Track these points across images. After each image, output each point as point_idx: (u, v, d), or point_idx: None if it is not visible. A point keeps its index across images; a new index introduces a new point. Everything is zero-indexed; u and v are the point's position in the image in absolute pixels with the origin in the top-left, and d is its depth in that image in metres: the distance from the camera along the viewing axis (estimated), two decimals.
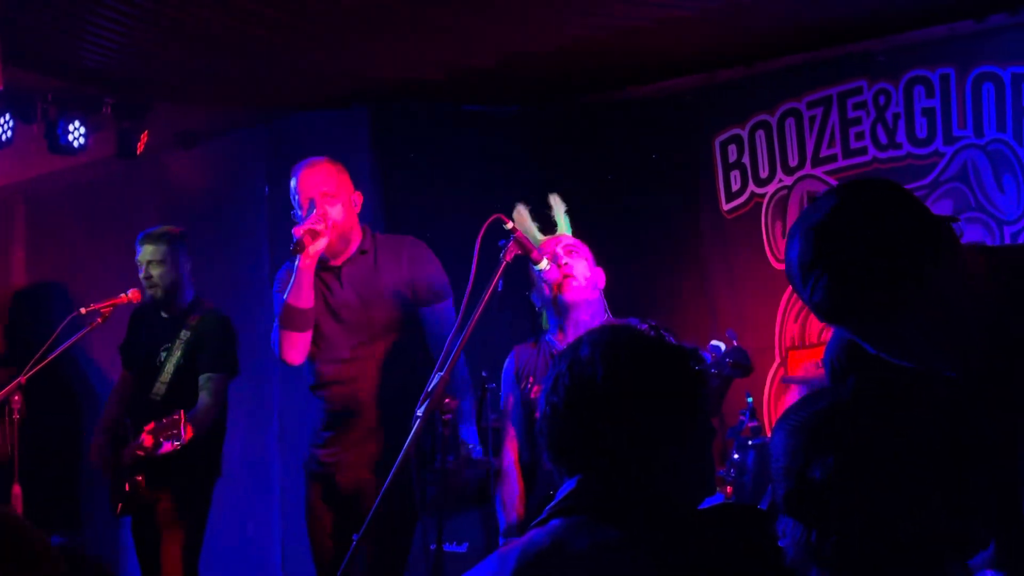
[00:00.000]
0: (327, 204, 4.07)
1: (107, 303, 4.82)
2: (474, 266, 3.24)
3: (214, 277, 5.46)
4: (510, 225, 3.30)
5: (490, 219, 3.27)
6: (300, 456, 4.41)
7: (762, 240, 5.49)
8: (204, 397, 4.74)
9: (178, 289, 4.96)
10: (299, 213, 4.12)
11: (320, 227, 3.96)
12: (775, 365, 5.45)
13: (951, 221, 1.66)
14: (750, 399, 4.80)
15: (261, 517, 6.25)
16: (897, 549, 1.46)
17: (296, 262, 3.97)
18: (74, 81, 5.47)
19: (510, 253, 3.28)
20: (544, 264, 3.43)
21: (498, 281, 3.32)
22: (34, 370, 4.67)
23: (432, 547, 3.23)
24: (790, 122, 5.44)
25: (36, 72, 5.28)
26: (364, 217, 6.05)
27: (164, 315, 4.99)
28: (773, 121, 5.49)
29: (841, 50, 5.26)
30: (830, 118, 5.30)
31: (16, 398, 4.59)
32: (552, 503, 1.76)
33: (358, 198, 4.25)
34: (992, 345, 1.69)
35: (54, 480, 5.75)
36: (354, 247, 4.21)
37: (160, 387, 4.86)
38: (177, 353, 4.86)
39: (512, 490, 3.96)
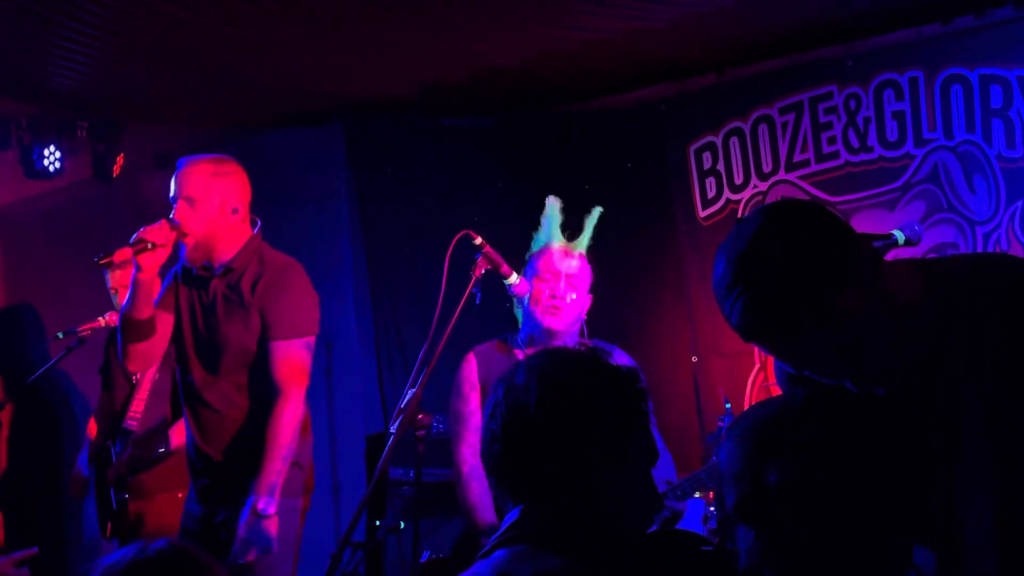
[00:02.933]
0: (184, 210, 3.81)
1: (85, 327, 4.83)
2: (444, 282, 3.26)
3: None
4: (479, 241, 3.32)
5: (457, 236, 3.29)
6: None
7: None
8: None
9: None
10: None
11: (152, 238, 3.66)
12: (755, 370, 5.47)
13: (877, 239, 1.69)
14: (728, 404, 4.81)
15: None
16: (845, 552, 1.48)
17: (134, 272, 3.68)
18: (48, 105, 5.48)
19: (479, 268, 3.29)
20: (514, 278, 3.44)
21: (471, 295, 3.33)
22: (13, 395, 4.68)
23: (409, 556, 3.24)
24: (763, 128, 5.47)
25: (9, 98, 5.30)
26: (340, 232, 6.10)
27: None
28: (746, 128, 5.52)
29: (811, 56, 5.29)
30: (802, 123, 5.32)
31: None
32: (496, 533, 1.74)
33: (239, 204, 3.95)
34: (926, 358, 1.70)
35: (37, 503, 5.74)
36: (225, 258, 3.90)
37: (138, 404, 4.83)
38: (153, 368, 4.77)
39: (483, 489, 3.86)
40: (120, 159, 5.76)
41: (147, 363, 3.95)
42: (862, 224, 5.12)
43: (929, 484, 1.52)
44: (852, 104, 5.15)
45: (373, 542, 5.18)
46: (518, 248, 4.23)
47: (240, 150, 6.31)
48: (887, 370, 1.68)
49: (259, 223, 4.01)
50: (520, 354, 3.94)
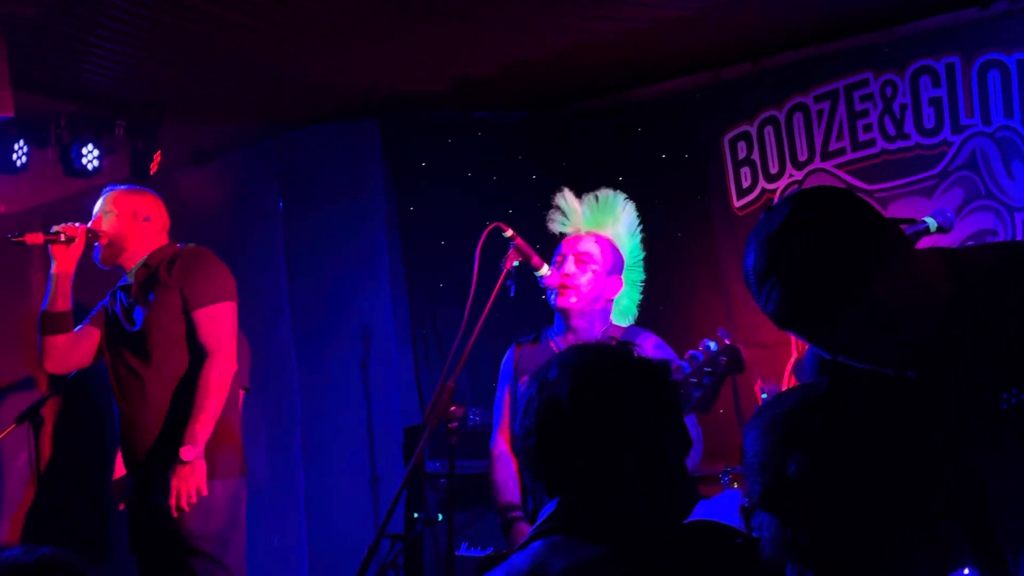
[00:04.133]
0: (99, 219, 4.27)
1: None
2: (475, 274, 3.27)
3: None
4: (509, 233, 3.32)
5: (488, 228, 3.29)
6: (323, 468, 4.44)
7: None
8: None
9: None
10: None
11: (65, 230, 4.16)
12: (792, 360, 5.44)
13: (906, 224, 1.68)
14: (764, 395, 4.79)
15: (288, 529, 6.30)
16: (871, 544, 1.47)
17: (51, 266, 4.17)
18: (85, 104, 5.54)
19: (510, 260, 3.30)
20: (545, 270, 3.44)
21: (504, 287, 3.33)
22: (55, 393, 4.74)
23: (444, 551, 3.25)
24: (798, 117, 5.43)
25: (47, 97, 5.36)
26: (376, 227, 6.13)
27: None
28: (781, 116, 5.48)
29: (846, 43, 5.24)
30: (837, 111, 5.29)
31: (39, 416, 4.65)
32: (535, 525, 1.78)
33: (151, 215, 4.31)
34: (944, 344, 1.70)
35: (80, 499, 5.81)
36: (137, 260, 4.25)
37: None
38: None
39: (507, 472, 3.94)
40: (157, 157, 5.81)
41: (64, 364, 4.25)
42: (899, 212, 5.08)
43: (955, 474, 1.52)
44: (888, 91, 5.11)
45: (412, 534, 5.21)
46: (552, 241, 4.23)
47: (276, 145, 6.38)
48: (919, 352, 1.68)
49: (180, 244, 4.35)
50: (553, 345, 3.95)
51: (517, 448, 1.85)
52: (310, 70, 5.28)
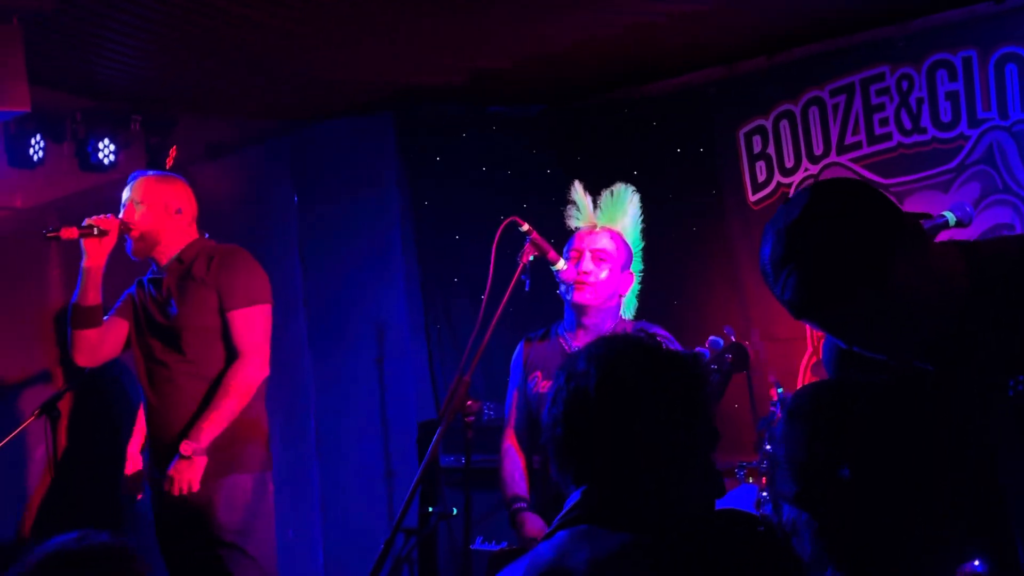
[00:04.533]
0: (131, 210, 4.23)
1: None
2: (491, 269, 3.26)
3: None
4: (526, 227, 3.31)
5: (505, 223, 3.29)
6: (338, 462, 4.46)
7: None
8: None
9: None
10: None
11: (98, 223, 4.13)
12: (807, 354, 5.43)
13: (921, 218, 1.68)
14: (780, 389, 4.78)
15: (302, 523, 6.32)
16: (910, 547, 1.47)
17: (82, 260, 4.16)
18: (101, 99, 5.55)
19: (527, 255, 3.29)
20: (561, 264, 3.43)
21: (519, 281, 3.33)
22: (72, 386, 4.76)
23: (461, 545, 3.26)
24: (814, 111, 5.42)
25: (64, 92, 5.37)
26: (390, 221, 6.13)
27: None
28: (797, 110, 5.47)
29: (861, 36, 5.23)
30: (853, 105, 5.27)
31: (56, 410, 4.66)
32: (560, 514, 1.79)
33: (182, 206, 4.29)
34: (959, 340, 1.70)
35: (95, 494, 5.83)
36: (171, 254, 4.24)
37: None
38: None
39: (514, 466, 4.00)
40: (173, 151, 5.83)
41: (94, 357, 4.24)
42: (915, 206, 5.07)
43: (974, 474, 1.52)
44: (904, 85, 5.09)
45: (426, 528, 5.22)
46: (567, 235, 4.23)
47: (291, 140, 6.38)
48: (935, 347, 1.68)
49: (207, 234, 4.36)
50: (563, 341, 3.96)
51: (544, 438, 1.85)
52: (324, 64, 5.29)
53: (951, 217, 2.73)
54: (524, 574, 1.70)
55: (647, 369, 1.80)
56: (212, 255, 4.19)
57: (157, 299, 4.21)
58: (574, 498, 1.78)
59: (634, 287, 4.12)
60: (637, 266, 4.15)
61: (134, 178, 4.33)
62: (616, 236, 4.00)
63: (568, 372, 1.83)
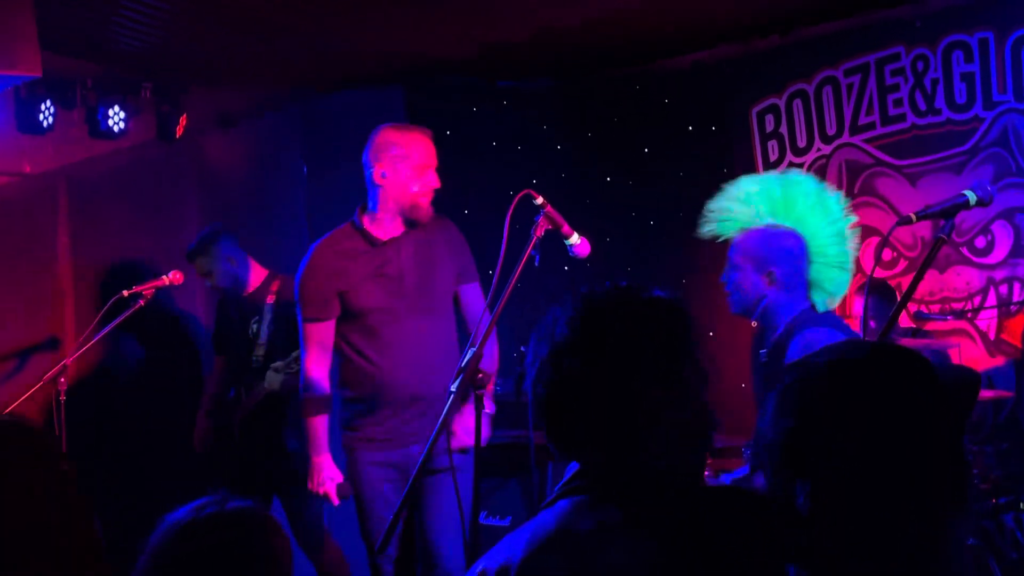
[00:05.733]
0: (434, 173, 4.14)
1: (148, 285, 4.88)
2: (504, 242, 3.24)
3: (255, 257, 5.51)
4: (540, 200, 3.27)
5: (519, 195, 3.26)
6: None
7: None
8: None
9: (241, 275, 5.31)
10: (396, 173, 4.06)
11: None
12: None
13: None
14: None
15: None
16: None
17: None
18: (112, 66, 5.53)
19: (540, 228, 3.25)
20: (575, 238, 3.39)
21: (531, 256, 3.30)
22: (78, 352, 4.75)
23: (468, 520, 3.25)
24: (827, 90, 5.39)
25: (75, 58, 5.34)
26: None
27: (244, 295, 5.33)
28: (810, 90, 5.44)
29: (878, 16, 5.20)
30: (868, 85, 5.24)
31: (62, 380, 4.65)
32: (560, 483, 1.73)
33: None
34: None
35: (101, 462, 5.84)
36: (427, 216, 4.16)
37: (260, 349, 5.22)
38: (268, 318, 5.20)
39: None
40: (183, 120, 5.81)
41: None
42: (928, 188, 5.04)
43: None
44: (920, 65, 5.06)
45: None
46: (576, 209, 4.20)
47: (301, 110, 6.36)
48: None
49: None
50: None
51: (533, 412, 1.74)
52: (335, 35, 5.26)
53: (972, 196, 2.69)
54: (528, 542, 1.66)
55: (622, 315, 1.69)
56: (442, 225, 4.21)
57: (404, 257, 4.11)
58: (573, 466, 1.72)
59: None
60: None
61: (424, 134, 4.19)
62: (735, 242, 3.65)
63: (544, 334, 1.72)
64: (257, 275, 5.34)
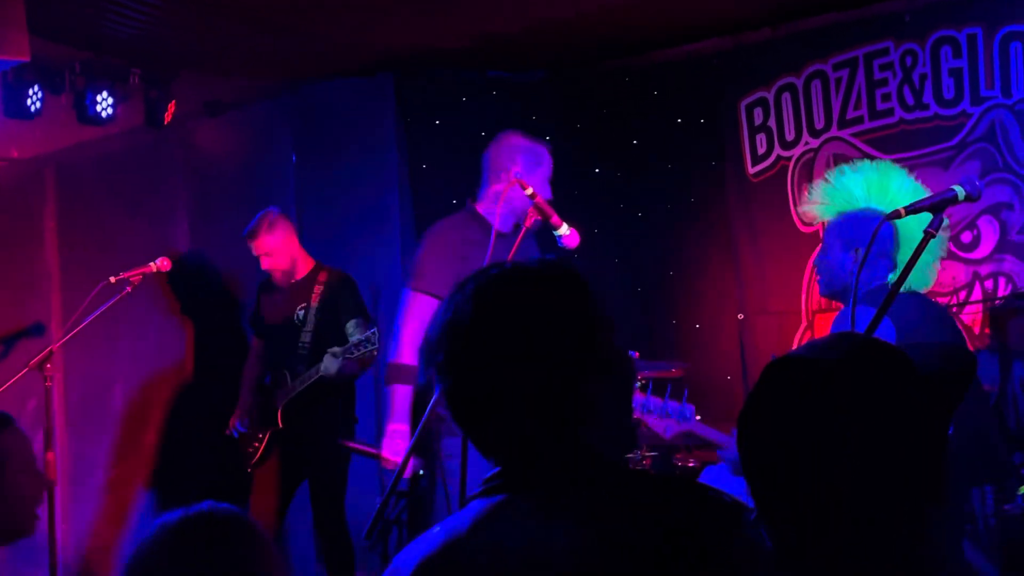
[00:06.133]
0: None
1: (136, 271, 4.88)
2: (493, 233, 3.25)
3: (243, 245, 5.50)
4: (530, 190, 3.29)
5: (510, 184, 3.27)
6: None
7: (788, 203, 5.47)
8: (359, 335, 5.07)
9: (297, 260, 5.39)
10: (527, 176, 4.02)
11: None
12: (801, 328, 5.44)
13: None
14: None
15: None
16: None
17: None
18: (101, 52, 5.51)
19: (530, 218, 3.27)
20: (564, 229, 3.41)
21: (521, 245, 3.31)
22: (64, 339, 4.74)
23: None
24: (816, 84, 5.40)
25: (63, 43, 5.32)
26: (388, 184, 6.11)
27: (292, 281, 5.41)
28: (799, 83, 5.45)
29: (867, 11, 5.21)
30: (856, 79, 5.25)
31: (48, 366, 4.65)
32: (482, 480, 1.58)
33: None
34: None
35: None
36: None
37: (306, 336, 5.30)
38: (315, 306, 5.30)
39: None
40: (172, 107, 5.79)
41: None
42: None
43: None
44: (908, 60, 5.08)
45: (418, 490, 5.23)
46: (565, 200, 4.21)
47: (291, 99, 6.35)
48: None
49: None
50: None
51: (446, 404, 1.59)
52: (325, 24, 5.24)
53: (960, 191, 2.71)
54: (441, 543, 1.52)
55: (526, 292, 1.54)
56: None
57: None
58: (491, 467, 1.56)
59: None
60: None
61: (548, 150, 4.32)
62: (825, 226, 3.76)
63: (449, 302, 1.57)
64: (306, 262, 5.42)
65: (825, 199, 3.70)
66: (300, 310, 5.35)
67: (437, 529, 1.55)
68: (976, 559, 3.88)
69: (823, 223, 3.79)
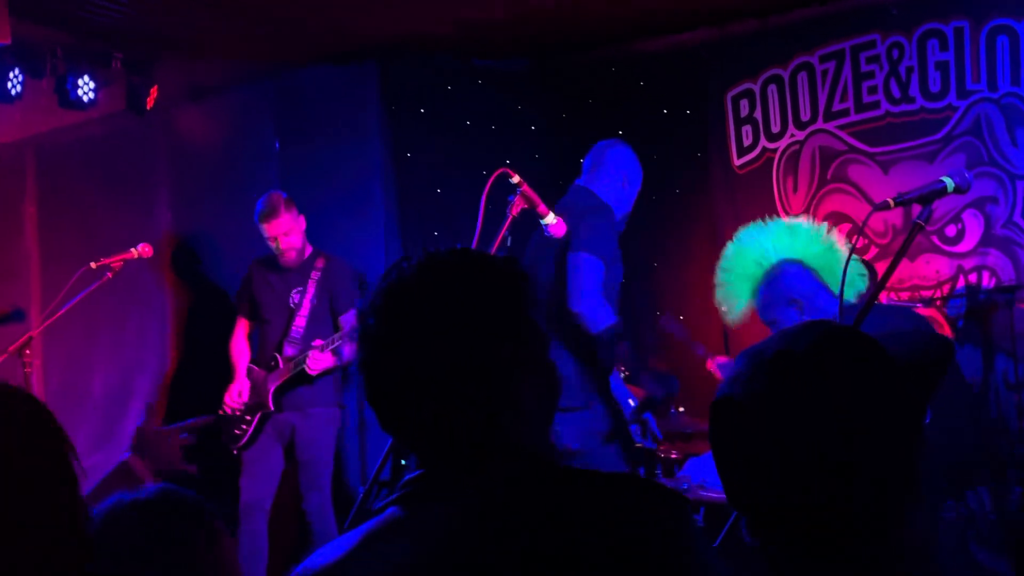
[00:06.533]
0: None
1: (117, 257, 4.83)
2: (480, 221, 3.22)
3: (225, 232, 5.48)
4: (516, 179, 3.26)
5: (496, 173, 3.24)
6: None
7: (773, 195, 5.47)
8: None
9: (303, 245, 5.40)
10: (633, 186, 4.67)
11: None
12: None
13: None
14: None
15: None
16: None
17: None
18: (83, 36, 5.45)
19: (516, 207, 3.24)
20: (550, 218, 3.38)
21: (505, 236, 3.29)
22: (44, 324, 4.70)
23: None
24: (802, 76, 5.39)
25: (45, 26, 5.27)
26: (371, 171, 6.08)
27: (292, 265, 5.39)
28: (785, 75, 5.45)
29: (854, 3, 5.21)
30: (843, 72, 5.25)
31: (27, 352, 4.61)
32: (397, 486, 1.55)
33: None
34: None
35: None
36: None
37: (301, 320, 5.32)
38: (312, 292, 5.33)
39: None
40: (154, 91, 5.74)
41: None
42: (901, 176, 5.07)
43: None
44: (895, 53, 5.08)
45: (399, 480, 5.22)
46: (550, 190, 4.20)
47: (274, 85, 6.30)
48: None
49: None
50: None
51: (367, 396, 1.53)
52: (309, 9, 5.21)
53: (950, 183, 2.70)
54: (362, 537, 1.50)
55: (439, 283, 1.49)
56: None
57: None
58: (411, 470, 1.53)
59: None
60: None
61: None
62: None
63: (366, 296, 1.53)
64: (308, 250, 5.43)
65: (731, 287, 3.79)
66: (296, 293, 5.37)
67: (340, 540, 1.51)
68: (986, 559, 3.91)
69: (751, 311, 3.80)
